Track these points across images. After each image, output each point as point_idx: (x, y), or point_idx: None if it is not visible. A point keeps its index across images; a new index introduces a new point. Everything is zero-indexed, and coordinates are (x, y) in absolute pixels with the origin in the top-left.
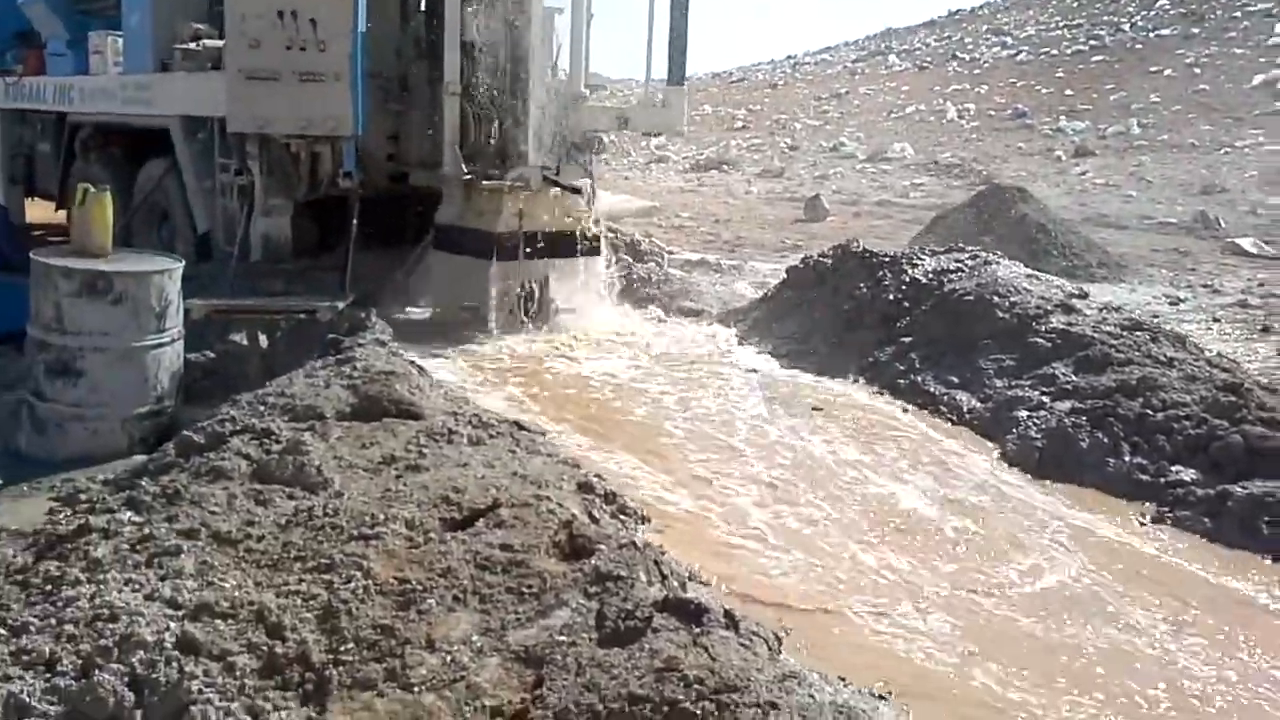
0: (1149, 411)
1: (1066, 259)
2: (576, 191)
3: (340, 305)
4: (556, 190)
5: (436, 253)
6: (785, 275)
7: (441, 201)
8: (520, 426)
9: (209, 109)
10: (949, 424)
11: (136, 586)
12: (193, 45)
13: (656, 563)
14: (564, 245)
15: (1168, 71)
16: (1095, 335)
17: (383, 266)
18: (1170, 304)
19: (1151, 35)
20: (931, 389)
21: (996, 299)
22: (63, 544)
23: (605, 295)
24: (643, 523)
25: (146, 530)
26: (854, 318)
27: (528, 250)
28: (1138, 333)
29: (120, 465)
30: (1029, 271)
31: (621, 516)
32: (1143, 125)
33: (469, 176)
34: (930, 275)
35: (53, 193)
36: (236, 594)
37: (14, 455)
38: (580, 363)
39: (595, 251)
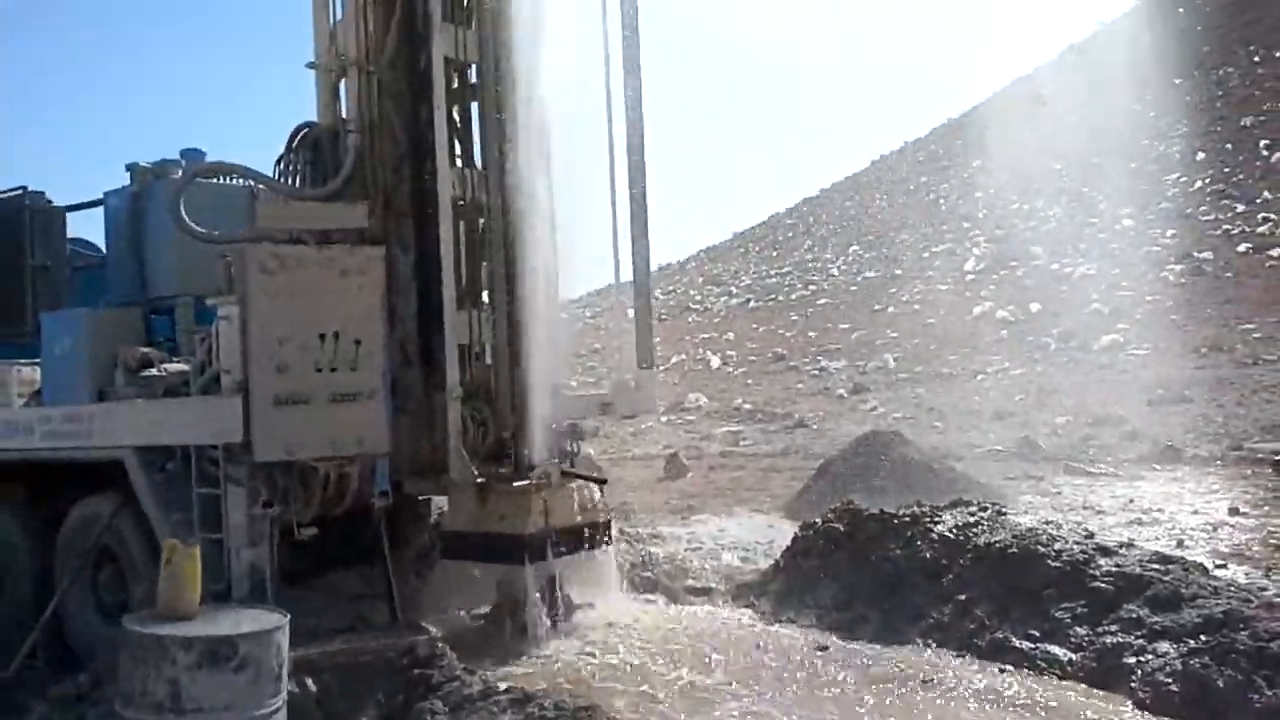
0: (1263, 643)
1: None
2: (601, 482)
3: (438, 636)
4: (577, 483)
5: (443, 562)
6: (792, 543)
7: (448, 508)
8: None
9: (191, 437)
10: (1055, 679)
11: None
12: (153, 371)
13: None
14: (586, 538)
15: (890, 309)
16: (1148, 574)
17: (369, 584)
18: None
19: (859, 278)
20: (1018, 644)
21: (1041, 548)
22: None
23: (614, 584)
24: None
25: None
26: (896, 580)
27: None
28: (1170, 565)
29: None
30: (1042, 518)
31: None
32: (897, 359)
33: (482, 480)
34: (955, 530)
35: None
36: None
37: None
38: (666, 670)
39: (609, 540)
